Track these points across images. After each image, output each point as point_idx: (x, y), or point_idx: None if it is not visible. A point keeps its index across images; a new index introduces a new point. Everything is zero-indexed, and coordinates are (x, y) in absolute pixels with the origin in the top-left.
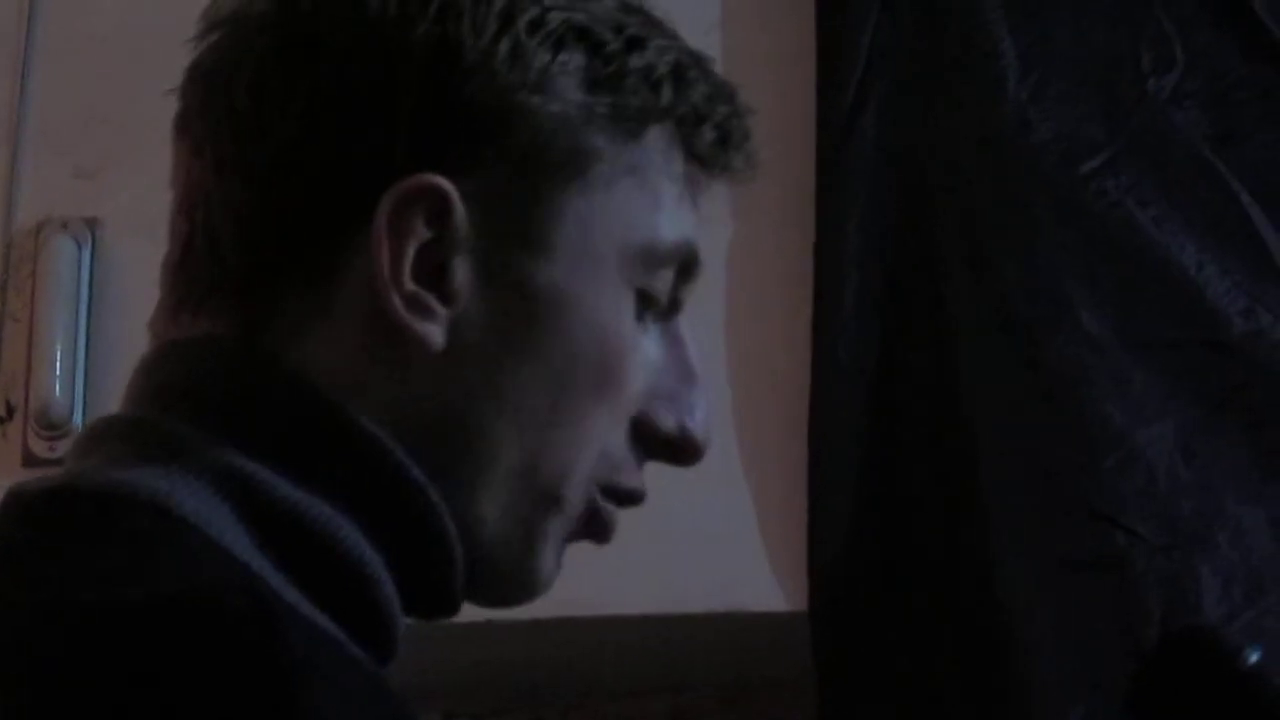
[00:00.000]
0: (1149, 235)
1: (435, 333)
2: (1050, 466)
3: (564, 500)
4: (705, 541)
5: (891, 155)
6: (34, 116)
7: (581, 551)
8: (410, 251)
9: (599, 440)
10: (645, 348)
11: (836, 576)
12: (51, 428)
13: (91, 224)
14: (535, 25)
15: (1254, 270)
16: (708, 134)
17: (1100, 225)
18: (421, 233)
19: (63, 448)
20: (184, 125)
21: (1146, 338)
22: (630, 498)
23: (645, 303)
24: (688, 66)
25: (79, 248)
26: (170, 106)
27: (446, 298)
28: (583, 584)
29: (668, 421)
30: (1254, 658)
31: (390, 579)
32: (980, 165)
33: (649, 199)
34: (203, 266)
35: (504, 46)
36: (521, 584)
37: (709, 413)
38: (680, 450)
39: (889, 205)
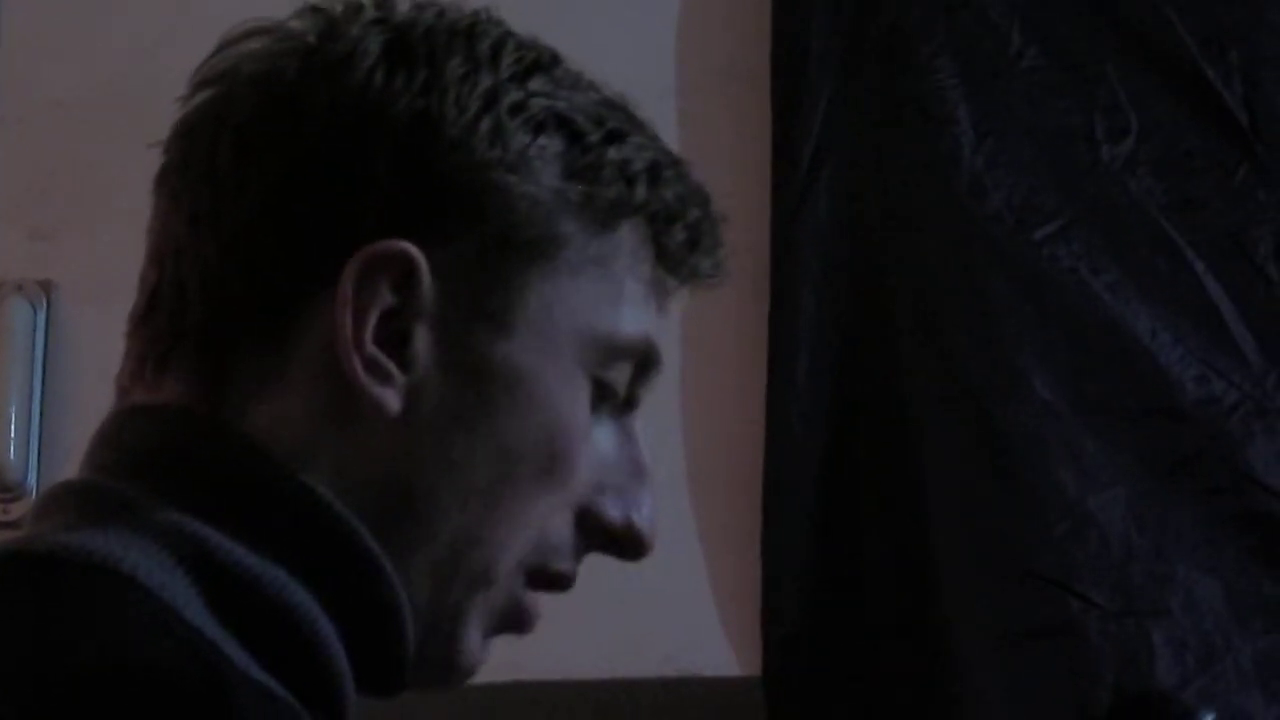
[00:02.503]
0: (1102, 302)
1: (391, 398)
2: (1003, 533)
3: (493, 581)
4: (658, 606)
5: (845, 223)
6: None
7: None
8: (374, 314)
9: (539, 524)
10: (598, 438)
11: (790, 642)
12: (5, 490)
13: (46, 287)
14: (517, 108)
15: (1207, 337)
16: (678, 234)
17: (1053, 292)
18: (386, 298)
19: (17, 510)
20: (165, 179)
21: (1099, 405)
22: (558, 582)
23: (602, 394)
24: (664, 166)
25: (34, 310)
26: (127, 172)
27: (405, 365)
28: (535, 648)
29: (614, 514)
30: None
31: (342, 648)
32: (934, 232)
33: (613, 291)
34: (167, 321)
35: (485, 125)
36: (448, 666)
37: (655, 511)
38: (625, 544)
39: (842, 273)
